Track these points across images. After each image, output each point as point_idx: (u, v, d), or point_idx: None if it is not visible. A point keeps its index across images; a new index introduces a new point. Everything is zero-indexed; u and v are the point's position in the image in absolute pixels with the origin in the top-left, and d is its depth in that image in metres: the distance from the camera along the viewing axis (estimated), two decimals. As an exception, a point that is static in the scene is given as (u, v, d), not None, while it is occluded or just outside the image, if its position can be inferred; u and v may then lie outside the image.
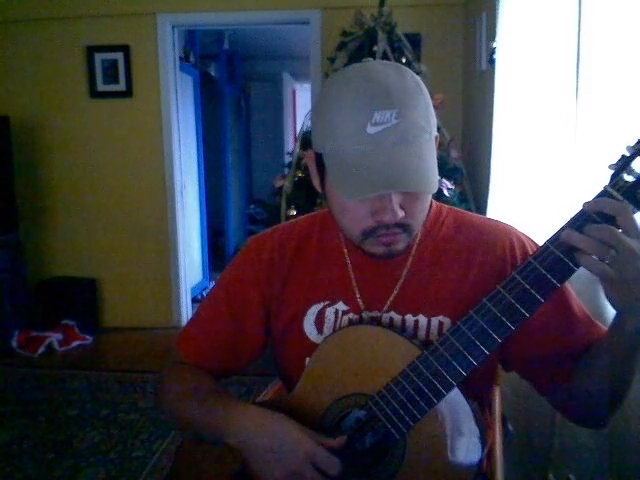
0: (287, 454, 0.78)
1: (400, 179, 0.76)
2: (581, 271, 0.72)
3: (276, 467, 0.78)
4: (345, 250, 0.95)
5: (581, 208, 0.71)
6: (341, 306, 0.92)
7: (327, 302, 0.93)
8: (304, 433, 0.79)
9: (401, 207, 0.80)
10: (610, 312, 0.81)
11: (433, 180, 0.78)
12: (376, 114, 0.76)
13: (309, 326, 0.93)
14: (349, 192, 0.78)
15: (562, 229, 0.72)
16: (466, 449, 0.79)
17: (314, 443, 0.78)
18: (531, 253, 0.88)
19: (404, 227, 0.83)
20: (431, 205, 0.95)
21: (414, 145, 0.77)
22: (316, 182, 0.91)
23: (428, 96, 0.81)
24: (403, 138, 0.76)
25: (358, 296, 0.92)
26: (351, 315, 0.92)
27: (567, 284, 0.76)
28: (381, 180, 0.75)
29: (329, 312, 0.93)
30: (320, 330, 0.93)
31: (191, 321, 1.03)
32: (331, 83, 0.84)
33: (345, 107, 0.78)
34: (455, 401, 0.79)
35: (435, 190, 0.79)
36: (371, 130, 0.76)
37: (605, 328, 0.84)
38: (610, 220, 0.68)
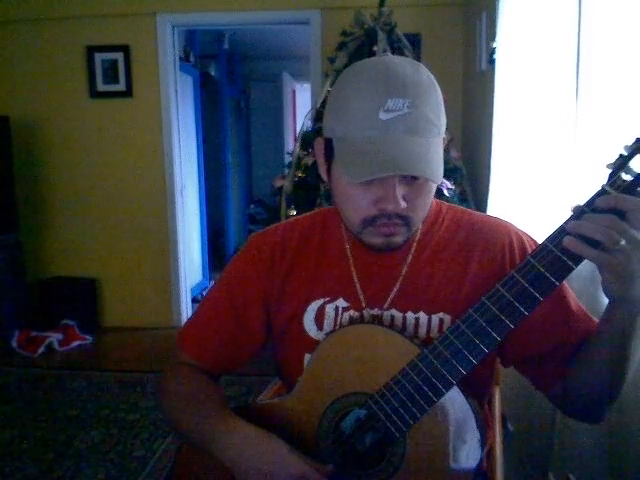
0: (277, 475, 0.78)
1: (405, 164, 0.77)
2: (581, 270, 0.73)
3: None
4: (347, 246, 0.95)
5: (579, 207, 0.72)
6: (341, 302, 0.93)
7: (327, 298, 0.93)
8: (294, 454, 0.80)
9: (404, 199, 0.81)
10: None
11: (438, 171, 0.79)
12: (389, 101, 0.77)
13: (309, 322, 0.94)
14: (354, 174, 0.79)
15: (561, 228, 0.72)
16: (466, 448, 0.79)
17: (304, 464, 0.78)
18: (530, 251, 0.89)
19: (405, 219, 0.83)
20: (431, 203, 0.96)
21: (423, 136, 0.79)
22: (322, 169, 0.91)
23: (440, 94, 0.83)
24: (413, 128, 0.78)
25: (359, 292, 0.93)
26: (351, 312, 0.92)
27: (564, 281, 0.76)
28: (386, 164, 0.76)
29: (329, 308, 0.93)
30: (320, 326, 0.93)
31: (193, 317, 1.03)
32: (348, 71, 0.85)
33: (359, 92, 0.80)
34: (455, 400, 0.79)
35: (439, 180, 0.79)
36: (383, 116, 0.77)
37: None
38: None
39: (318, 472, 0.79)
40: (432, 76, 0.83)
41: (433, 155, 0.79)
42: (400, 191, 0.80)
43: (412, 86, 0.78)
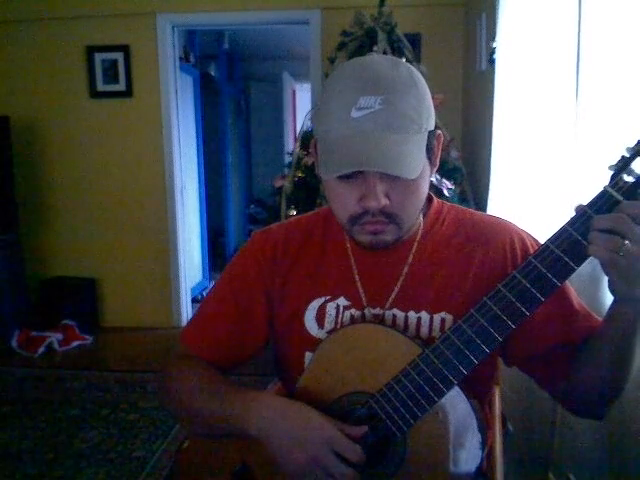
0: (308, 440, 0.78)
1: (373, 160, 0.77)
2: (581, 270, 0.73)
3: (297, 453, 0.78)
4: (348, 246, 0.95)
5: (581, 208, 0.72)
6: (342, 301, 0.93)
7: (328, 297, 0.94)
8: (324, 419, 0.80)
9: (387, 196, 0.81)
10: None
11: (414, 169, 0.79)
12: (361, 99, 0.78)
13: (310, 321, 0.94)
14: (327, 170, 0.81)
15: (563, 228, 0.72)
16: (467, 447, 0.79)
17: (335, 429, 0.78)
18: (531, 249, 0.90)
19: (390, 217, 0.83)
20: (432, 202, 0.97)
21: (398, 133, 0.78)
22: (317, 169, 0.91)
23: (424, 90, 0.82)
24: (386, 124, 0.78)
25: (360, 291, 0.93)
26: (353, 311, 0.92)
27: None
28: (356, 160, 0.77)
29: (330, 307, 0.93)
30: (321, 325, 0.93)
31: (196, 314, 1.03)
32: (332, 73, 0.87)
33: (335, 92, 0.81)
34: (456, 399, 0.79)
35: (414, 177, 0.79)
36: (355, 114, 0.78)
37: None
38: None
39: (348, 435, 0.78)
40: (415, 72, 0.83)
41: (410, 152, 0.79)
42: (381, 188, 0.80)
43: (386, 83, 0.78)
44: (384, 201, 0.80)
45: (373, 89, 0.78)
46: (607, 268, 0.71)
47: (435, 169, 0.89)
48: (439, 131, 0.86)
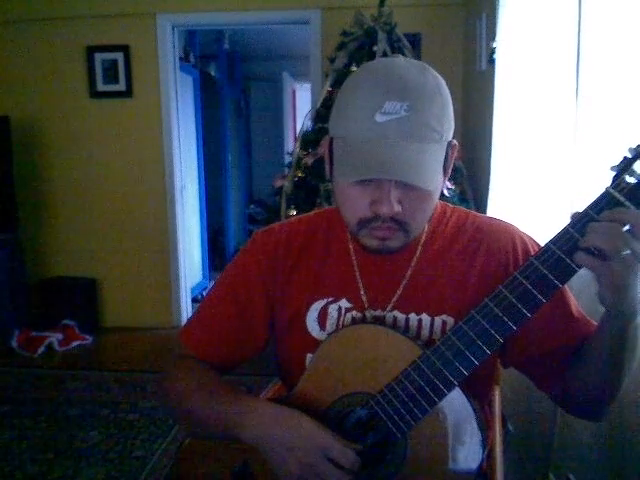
0: (301, 447, 0.78)
1: (396, 169, 0.76)
2: (582, 270, 0.73)
3: (291, 460, 0.78)
4: (351, 247, 0.95)
5: (578, 213, 0.71)
6: (344, 303, 0.93)
7: (331, 299, 0.93)
8: (317, 426, 0.80)
9: (400, 203, 0.80)
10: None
11: (431, 179, 0.78)
12: (387, 104, 0.77)
13: (312, 322, 0.94)
14: (344, 174, 0.80)
15: (565, 230, 0.72)
16: (467, 448, 0.79)
17: (329, 436, 0.78)
18: (533, 252, 0.89)
19: (400, 224, 0.82)
20: (436, 205, 0.96)
21: (419, 142, 0.77)
22: (327, 167, 0.91)
23: (447, 99, 0.81)
24: (409, 132, 0.77)
25: (362, 294, 0.93)
26: (354, 313, 0.92)
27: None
28: (377, 166, 0.76)
29: (332, 309, 0.93)
30: (323, 327, 0.93)
31: (196, 314, 1.03)
32: (357, 71, 0.86)
33: (360, 93, 0.80)
34: (456, 400, 0.79)
35: (431, 187, 0.79)
36: (379, 119, 0.77)
37: None
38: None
39: (342, 444, 0.78)
40: (441, 80, 0.81)
41: (430, 159, 0.78)
42: (395, 195, 0.79)
43: (413, 90, 0.77)
44: (397, 208, 0.79)
45: (399, 95, 0.77)
46: (597, 276, 0.71)
47: (447, 178, 0.88)
48: (455, 141, 0.85)
